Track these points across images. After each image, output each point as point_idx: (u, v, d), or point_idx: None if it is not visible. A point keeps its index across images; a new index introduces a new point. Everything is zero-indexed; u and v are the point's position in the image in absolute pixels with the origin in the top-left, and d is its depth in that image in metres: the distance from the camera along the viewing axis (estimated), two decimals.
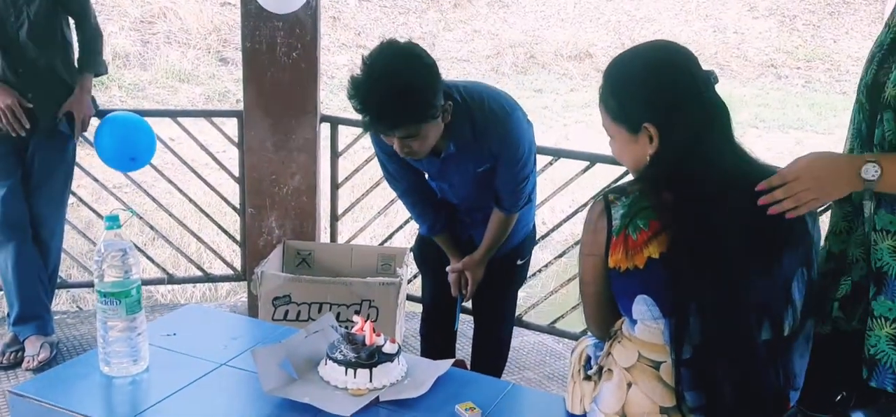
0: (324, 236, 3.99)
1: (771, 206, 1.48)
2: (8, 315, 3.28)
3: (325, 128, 3.80)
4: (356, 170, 3.80)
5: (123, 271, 1.81)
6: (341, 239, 4.01)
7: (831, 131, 9.99)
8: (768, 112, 10.93)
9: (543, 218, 4.89)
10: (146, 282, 3.87)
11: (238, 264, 4.02)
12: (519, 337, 3.64)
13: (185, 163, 3.90)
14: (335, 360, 1.82)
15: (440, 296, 2.63)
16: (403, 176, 2.47)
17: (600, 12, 13.82)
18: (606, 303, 1.61)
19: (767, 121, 10.56)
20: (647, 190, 1.51)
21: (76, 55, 3.25)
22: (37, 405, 1.76)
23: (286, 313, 3.16)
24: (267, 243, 3.72)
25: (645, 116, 1.51)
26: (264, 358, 1.83)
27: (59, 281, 3.49)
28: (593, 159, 3.41)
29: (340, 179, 3.88)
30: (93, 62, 3.26)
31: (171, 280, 4.08)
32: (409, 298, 3.52)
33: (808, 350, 1.59)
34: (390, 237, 4.03)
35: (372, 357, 1.82)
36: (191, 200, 3.96)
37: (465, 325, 2.75)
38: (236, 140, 3.78)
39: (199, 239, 4.09)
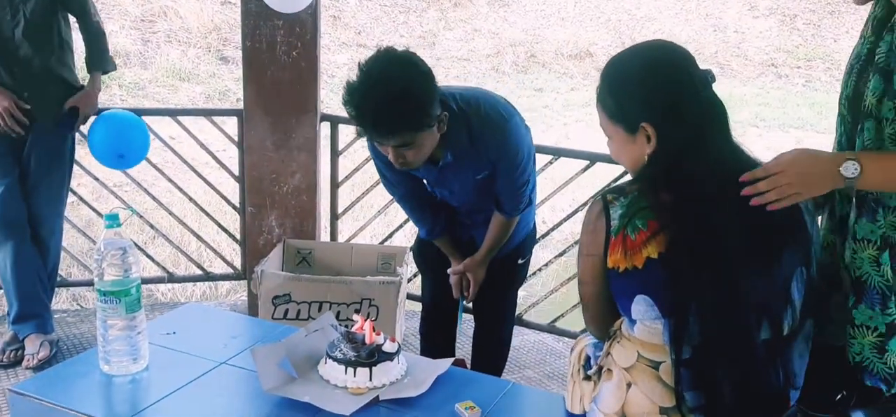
0: (324, 235, 3.99)
1: (765, 203, 1.48)
2: (7, 313, 3.28)
3: (325, 127, 3.80)
4: (356, 169, 3.80)
5: (123, 270, 1.81)
6: (341, 238, 4.01)
7: (832, 130, 9.75)
8: (768, 111, 10.93)
9: (544, 217, 4.90)
10: (146, 281, 3.87)
11: (238, 263, 4.02)
12: (519, 336, 3.64)
13: (185, 161, 3.90)
14: (335, 359, 1.82)
15: (440, 296, 2.63)
16: (401, 181, 2.46)
17: (601, 11, 13.82)
18: (605, 303, 1.60)
19: (768, 120, 10.56)
20: (645, 190, 1.51)
21: (74, 55, 3.25)
22: (36, 403, 1.76)
23: (286, 312, 3.16)
24: (267, 242, 3.72)
25: (643, 116, 1.51)
26: (264, 357, 1.83)
27: (59, 279, 3.50)
28: (593, 158, 3.40)
29: (340, 178, 3.88)
30: (101, 60, 3.27)
31: (172, 278, 4.08)
32: (409, 297, 3.52)
33: (808, 349, 1.59)
34: (390, 236, 4.03)
35: (372, 356, 1.82)
36: (191, 199, 3.96)
37: (466, 324, 2.75)
38: (236, 139, 3.78)
39: (199, 237, 4.09)
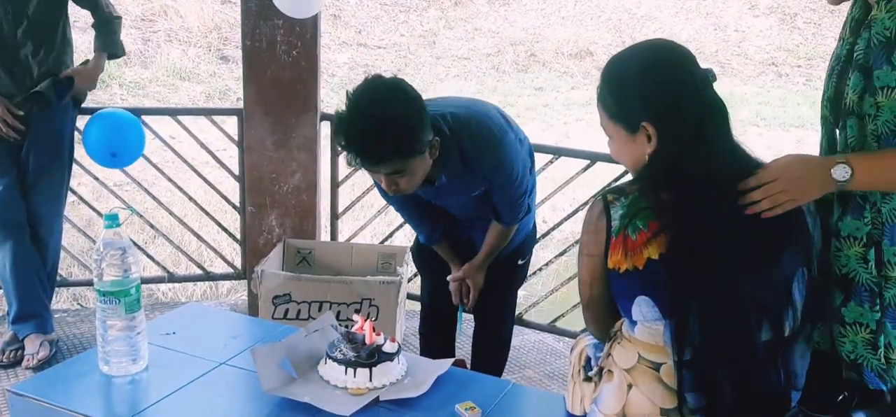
0: (324, 234, 3.99)
1: (759, 211, 1.48)
2: (7, 313, 3.28)
3: (325, 127, 3.78)
4: (356, 169, 3.78)
5: (123, 270, 1.80)
6: (341, 238, 4.01)
7: None
8: (769, 110, 10.91)
9: (544, 217, 4.90)
10: (146, 280, 3.87)
11: (238, 262, 4.01)
12: (519, 336, 3.64)
13: (185, 161, 3.89)
14: (335, 359, 1.82)
15: (439, 299, 2.63)
16: None
17: (601, 10, 13.80)
18: (606, 304, 1.60)
19: (768, 119, 10.54)
20: (645, 190, 1.51)
21: (74, 53, 3.25)
22: (36, 404, 1.75)
23: (286, 312, 3.15)
24: (267, 241, 3.72)
25: (643, 115, 1.51)
26: (264, 358, 1.83)
27: (59, 279, 3.49)
28: (594, 158, 3.40)
29: (341, 177, 3.88)
30: (108, 42, 3.27)
31: (172, 278, 4.08)
32: (410, 297, 3.52)
33: (809, 350, 1.58)
34: (391, 235, 4.03)
35: (372, 357, 1.81)
36: (191, 199, 3.96)
37: (466, 324, 2.75)
38: (236, 138, 3.77)
39: (199, 237, 4.09)
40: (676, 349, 1.47)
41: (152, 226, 4.05)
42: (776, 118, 10.58)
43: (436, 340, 2.71)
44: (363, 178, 3.98)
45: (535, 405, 1.91)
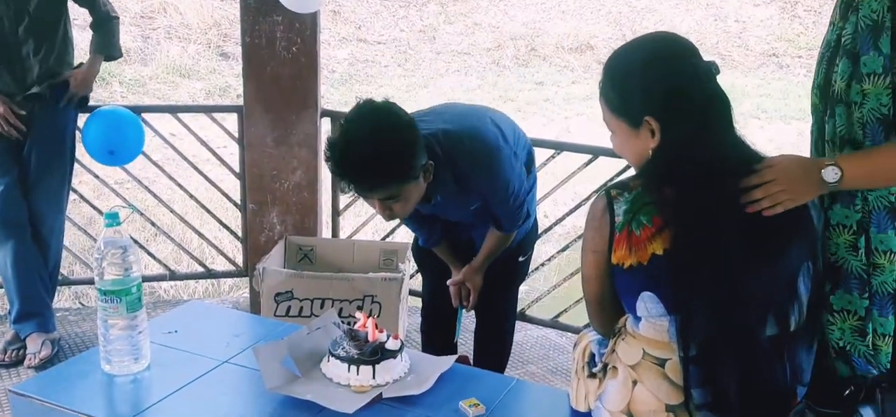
0: (325, 231, 3.98)
1: (759, 209, 1.48)
2: (9, 312, 3.28)
3: (325, 123, 3.78)
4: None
5: (124, 269, 1.80)
6: (343, 235, 4.00)
7: None
8: (770, 102, 10.89)
9: (545, 212, 4.88)
10: (148, 279, 3.86)
11: (240, 260, 4.01)
12: (522, 332, 3.63)
13: (185, 158, 3.89)
14: (338, 357, 1.81)
15: (439, 299, 2.62)
16: None
17: (601, 4, 13.77)
18: (610, 300, 1.59)
19: (769, 111, 10.52)
20: (649, 185, 1.50)
21: (74, 51, 3.24)
22: (38, 404, 1.75)
23: (288, 309, 3.15)
24: (268, 239, 3.71)
25: (646, 109, 1.50)
26: (266, 356, 1.82)
27: (60, 277, 3.49)
28: (596, 152, 3.39)
29: None
30: (105, 44, 3.25)
31: (173, 276, 4.07)
32: (412, 293, 3.51)
33: (815, 345, 1.57)
34: (392, 232, 4.02)
35: (375, 354, 1.81)
36: (192, 196, 3.95)
37: (468, 320, 2.74)
38: (237, 135, 3.76)
39: (200, 235, 4.09)
40: (682, 344, 1.46)
41: (153, 224, 4.05)
42: (777, 110, 10.56)
43: (435, 338, 2.71)
44: None
45: (538, 401, 1.90)
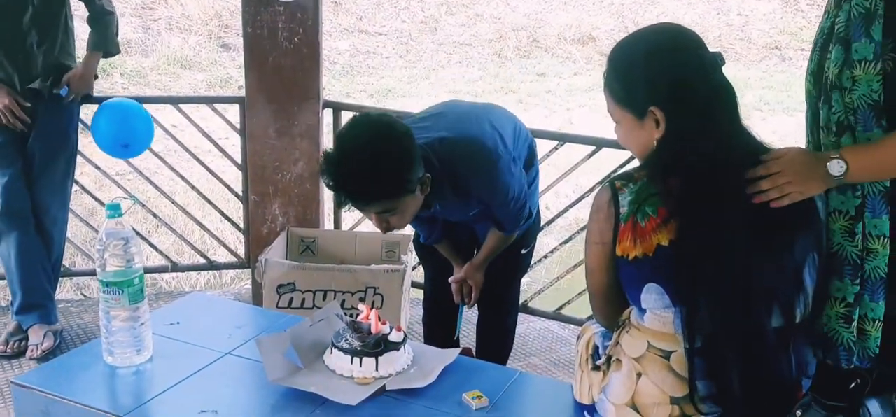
0: (327, 223, 3.97)
1: (767, 200, 1.47)
2: (11, 303, 3.28)
3: (327, 114, 3.77)
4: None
5: (125, 260, 1.79)
6: (345, 226, 3.99)
7: None
8: (773, 94, 10.86)
9: (547, 204, 4.87)
10: (150, 270, 3.86)
11: (242, 252, 4.00)
12: (524, 324, 3.63)
13: (187, 149, 3.88)
14: (341, 349, 1.81)
15: (440, 293, 2.61)
16: None
17: None
18: (614, 293, 1.58)
19: (772, 103, 10.50)
20: (654, 176, 1.49)
21: (75, 44, 3.23)
22: (39, 395, 1.74)
23: (291, 301, 3.14)
24: (270, 230, 3.71)
25: (651, 100, 1.49)
26: (269, 347, 1.81)
27: (63, 269, 3.49)
28: (599, 144, 3.38)
29: None
30: (102, 39, 3.24)
31: (175, 267, 4.07)
32: (414, 285, 3.51)
33: (820, 336, 1.57)
34: None
35: (378, 346, 1.80)
36: (194, 188, 3.95)
37: (470, 313, 2.74)
38: (238, 126, 3.75)
39: (202, 226, 4.08)
40: (687, 336, 1.45)
41: (155, 216, 4.04)
42: (780, 103, 10.54)
43: (437, 332, 2.70)
44: None
45: (542, 393, 1.89)
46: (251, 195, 3.75)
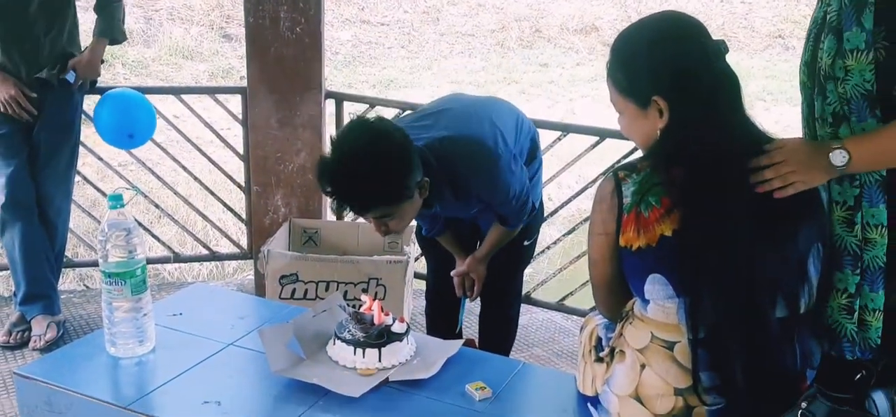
0: (330, 214, 3.97)
1: (770, 190, 1.46)
2: (14, 294, 3.28)
3: (329, 105, 3.76)
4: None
5: (128, 251, 1.79)
6: (348, 217, 3.98)
7: None
8: (776, 84, 10.84)
9: (550, 195, 4.87)
10: (152, 261, 3.86)
11: (244, 242, 4.00)
12: (527, 315, 3.63)
13: (189, 140, 3.87)
14: (344, 340, 1.80)
15: (443, 285, 2.61)
16: None
17: None
18: (617, 283, 1.58)
19: (775, 93, 10.47)
20: (657, 166, 1.48)
21: (79, 34, 3.22)
22: (42, 386, 1.74)
23: (293, 291, 3.14)
24: (273, 221, 3.70)
25: (654, 90, 1.48)
26: (272, 338, 1.81)
27: (65, 260, 3.49)
28: (603, 134, 3.36)
29: None
30: (108, 27, 3.23)
31: (177, 258, 4.07)
32: (417, 276, 3.50)
33: (825, 327, 1.56)
34: None
35: (381, 337, 1.80)
36: (196, 178, 3.94)
37: (473, 304, 2.74)
38: (241, 117, 3.75)
39: (204, 217, 4.08)
40: (691, 327, 1.45)
41: (157, 206, 4.04)
42: (783, 92, 10.51)
43: (439, 323, 2.70)
44: None
45: (545, 384, 1.89)
46: (253, 186, 3.75)
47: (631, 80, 1.53)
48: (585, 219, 1.65)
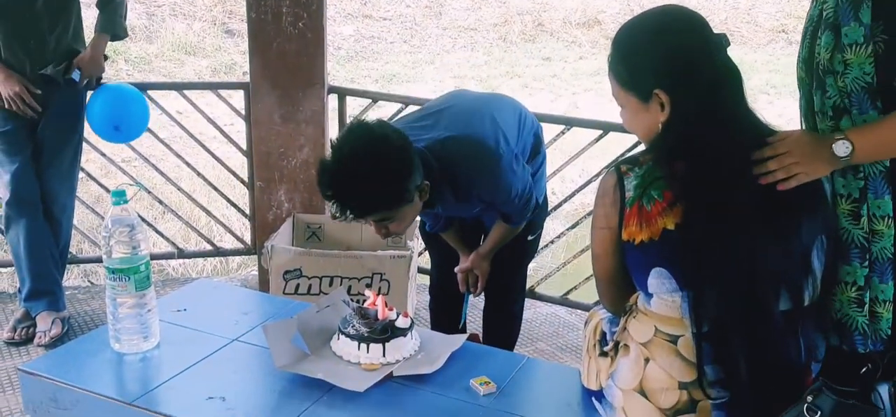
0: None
1: (773, 181, 1.46)
2: (19, 290, 3.28)
3: (332, 100, 3.76)
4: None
5: (131, 247, 1.79)
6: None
7: None
8: (779, 78, 10.81)
9: (553, 189, 4.86)
10: (156, 256, 3.87)
11: (248, 238, 4.01)
12: (531, 309, 3.62)
13: (192, 136, 3.87)
14: (348, 335, 1.80)
15: (446, 280, 2.61)
16: None
17: None
18: (620, 278, 1.58)
19: (778, 87, 10.44)
20: (659, 159, 1.48)
21: (84, 31, 3.22)
22: (47, 382, 1.75)
23: (297, 287, 3.15)
24: (276, 217, 3.70)
25: (656, 83, 1.47)
26: (276, 334, 1.81)
27: (70, 256, 3.49)
28: (606, 128, 3.36)
29: None
30: (109, 22, 3.22)
31: (181, 254, 4.07)
32: (421, 271, 3.50)
33: (829, 320, 1.56)
34: None
35: (385, 332, 1.80)
36: (199, 174, 3.95)
37: (476, 299, 2.74)
38: (243, 112, 3.74)
39: (208, 213, 4.08)
40: (695, 321, 1.44)
41: (161, 202, 4.05)
42: (786, 86, 10.47)
43: (443, 319, 2.70)
44: None
45: (549, 379, 1.89)
46: (256, 181, 3.75)
47: (632, 74, 1.52)
48: (589, 213, 1.65)
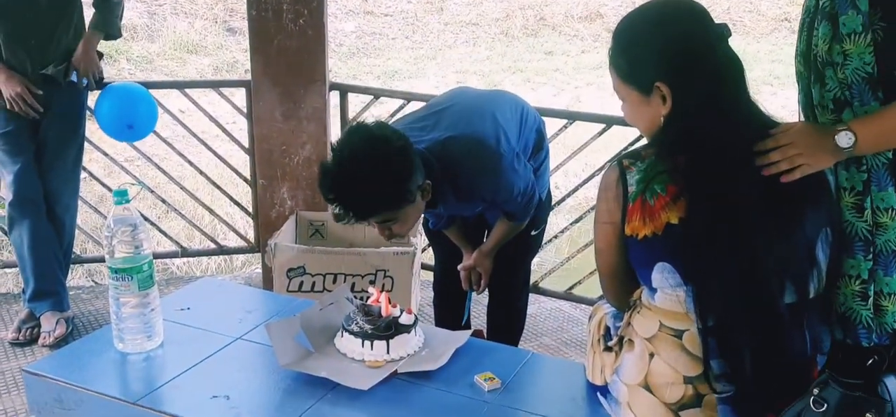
0: None
1: (777, 172, 1.45)
2: (24, 291, 3.29)
3: (334, 97, 3.76)
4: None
5: (134, 246, 1.79)
6: None
7: None
8: (782, 68, 10.76)
9: (557, 183, 4.85)
10: (160, 256, 3.87)
11: (251, 236, 4.01)
12: (535, 304, 3.62)
13: (194, 135, 3.87)
14: (351, 332, 1.80)
15: (449, 276, 2.60)
16: None
17: None
18: (623, 272, 1.57)
19: (781, 77, 10.40)
20: (661, 153, 1.47)
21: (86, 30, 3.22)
22: (52, 383, 1.75)
23: (301, 284, 3.14)
24: (279, 214, 3.70)
25: (657, 75, 1.46)
26: (279, 333, 1.81)
27: (73, 256, 3.50)
28: (609, 122, 3.35)
29: None
30: (103, 21, 3.20)
31: (185, 253, 4.07)
32: (424, 267, 3.50)
33: (834, 313, 1.55)
34: None
35: (388, 329, 1.80)
36: (202, 172, 3.95)
37: (480, 295, 2.73)
38: (245, 110, 3.74)
39: (211, 211, 4.08)
40: (699, 315, 1.44)
41: (164, 201, 4.05)
42: (790, 76, 10.39)
43: (446, 315, 2.70)
44: None
45: (554, 374, 1.89)
46: (259, 179, 3.75)
47: (633, 66, 1.51)
48: (592, 208, 1.64)
